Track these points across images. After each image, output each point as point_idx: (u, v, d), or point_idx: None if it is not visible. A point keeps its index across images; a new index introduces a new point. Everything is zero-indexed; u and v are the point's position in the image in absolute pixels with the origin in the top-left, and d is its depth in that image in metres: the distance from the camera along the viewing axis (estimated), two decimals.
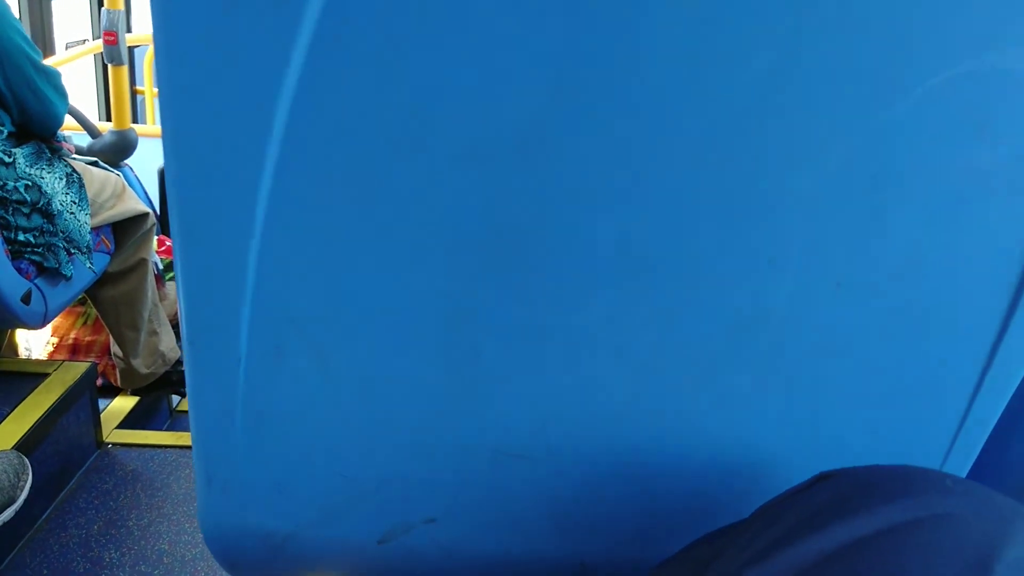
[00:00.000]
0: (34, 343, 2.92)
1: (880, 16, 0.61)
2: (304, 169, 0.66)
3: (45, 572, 2.07)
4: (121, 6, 2.72)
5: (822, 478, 0.68)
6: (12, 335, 2.81)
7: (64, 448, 2.37)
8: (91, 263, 2.30)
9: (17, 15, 2.15)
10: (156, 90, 2.51)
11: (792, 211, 0.68)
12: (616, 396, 0.76)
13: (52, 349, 2.85)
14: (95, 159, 2.62)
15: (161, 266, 2.96)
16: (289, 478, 0.82)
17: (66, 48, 3.90)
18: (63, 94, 2.26)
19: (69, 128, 2.83)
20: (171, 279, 3.02)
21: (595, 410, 0.77)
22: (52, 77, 2.20)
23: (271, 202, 0.67)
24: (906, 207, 0.68)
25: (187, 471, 2.53)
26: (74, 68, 3.71)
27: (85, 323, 2.89)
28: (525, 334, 0.73)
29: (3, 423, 2.19)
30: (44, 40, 3.64)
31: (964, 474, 0.85)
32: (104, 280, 2.55)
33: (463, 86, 0.63)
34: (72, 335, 2.87)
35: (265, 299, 0.71)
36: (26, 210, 2.13)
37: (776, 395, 0.77)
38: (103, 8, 2.72)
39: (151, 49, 4.26)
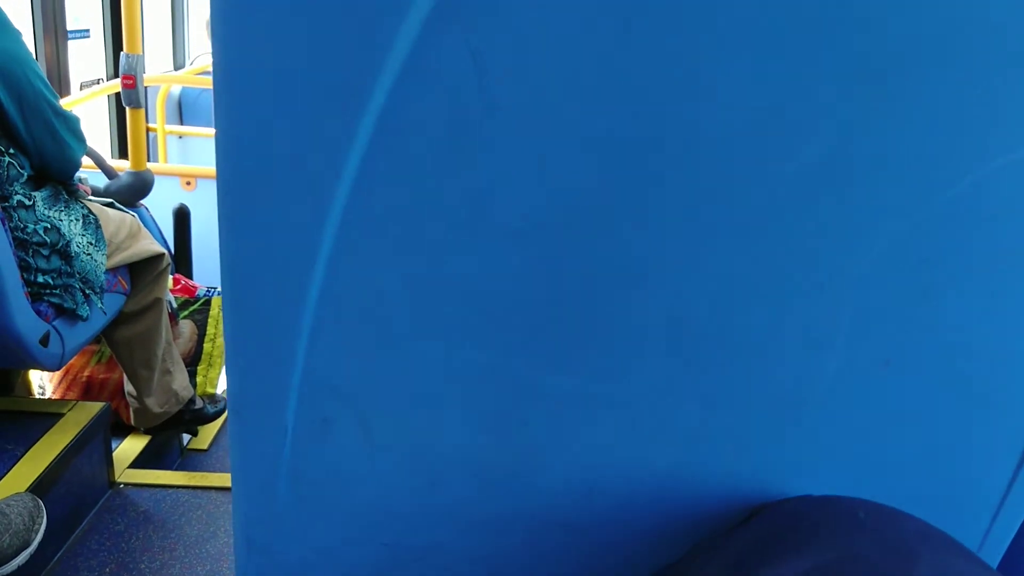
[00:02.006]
0: (48, 380, 2.92)
1: (935, 104, 0.63)
2: (359, 245, 0.67)
3: None
4: (140, 50, 2.76)
5: (757, 511, 0.74)
6: (26, 374, 2.81)
7: (77, 489, 2.37)
8: (102, 304, 2.31)
9: (33, 55, 2.18)
10: (169, 128, 2.54)
11: (842, 290, 0.69)
12: (661, 466, 0.77)
13: (66, 387, 2.85)
14: (110, 200, 2.64)
15: (175, 304, 2.97)
16: (331, 545, 0.82)
17: (80, 88, 3.94)
18: (81, 139, 2.28)
19: (86, 167, 2.85)
20: (184, 317, 3.03)
21: (641, 480, 0.77)
22: (71, 122, 2.23)
23: (326, 276, 0.68)
24: (955, 287, 0.69)
25: (199, 512, 2.52)
26: (88, 107, 3.75)
27: (99, 361, 2.89)
28: (573, 405, 0.73)
29: (18, 464, 2.19)
30: (59, 80, 3.68)
31: (1006, 544, 0.86)
32: (119, 320, 2.56)
33: (518, 169, 0.64)
34: (86, 373, 2.87)
35: (314, 371, 0.72)
36: (45, 252, 2.15)
37: (820, 468, 0.78)
38: (122, 52, 2.76)
39: (164, 87, 4.31)
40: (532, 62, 0.61)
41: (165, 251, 2.64)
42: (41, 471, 2.17)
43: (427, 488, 0.78)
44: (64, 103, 3.13)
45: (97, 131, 4.43)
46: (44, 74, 2.16)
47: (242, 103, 0.63)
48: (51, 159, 2.20)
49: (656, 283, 0.69)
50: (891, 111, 0.63)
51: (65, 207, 2.27)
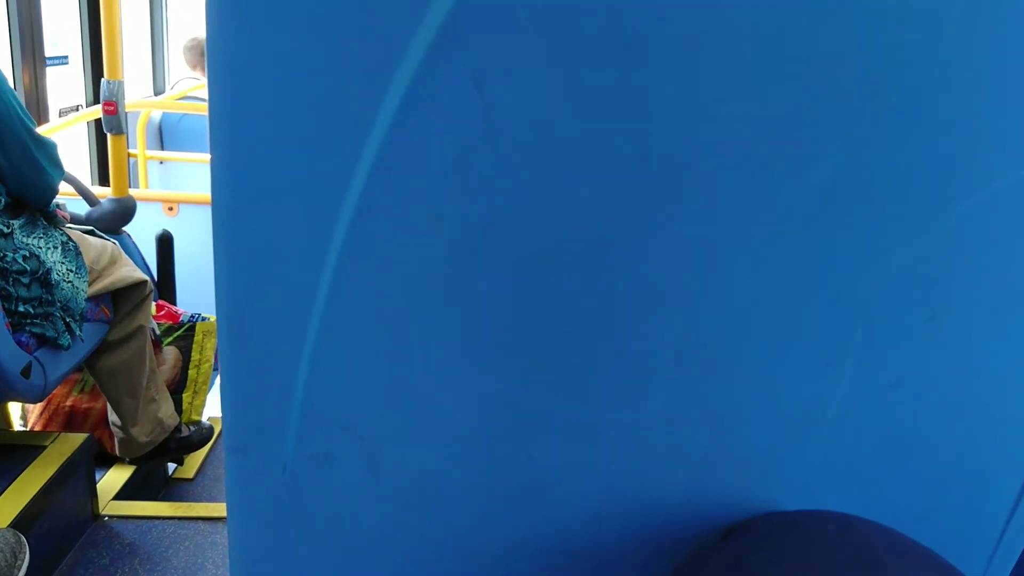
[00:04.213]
0: (29, 411, 2.86)
1: (944, 123, 0.62)
2: (362, 274, 0.66)
3: None
4: (121, 76, 2.74)
5: (732, 529, 0.74)
6: (5, 405, 2.75)
7: (60, 523, 2.31)
8: (80, 331, 2.27)
9: (11, 82, 2.16)
10: (149, 153, 2.51)
11: (852, 312, 0.68)
12: (672, 492, 0.75)
13: (47, 417, 2.79)
14: (91, 227, 2.61)
15: (159, 331, 2.92)
16: None
17: (59, 115, 3.90)
18: (58, 165, 2.26)
19: (65, 194, 2.82)
20: (169, 344, 2.98)
21: (650, 505, 0.76)
22: (48, 148, 2.21)
23: (327, 307, 0.66)
24: (964, 307, 0.69)
25: (186, 544, 2.47)
26: (67, 134, 3.72)
27: (82, 390, 2.83)
28: (580, 434, 0.72)
29: None
30: (38, 107, 3.64)
31: (1013, 562, 0.84)
32: (102, 349, 2.51)
33: (524, 194, 0.63)
34: (68, 402, 2.82)
35: (315, 404, 0.70)
36: (26, 280, 2.11)
37: (829, 489, 0.76)
38: (103, 79, 2.73)
39: (144, 113, 4.28)
40: (536, 88, 0.60)
41: (147, 278, 2.60)
42: (23, 506, 2.12)
43: (432, 522, 0.76)
44: (43, 130, 3.10)
45: (77, 158, 4.39)
46: (22, 100, 2.14)
47: (240, 129, 0.61)
48: (28, 185, 2.18)
49: (664, 307, 0.67)
50: (899, 131, 0.62)
51: (44, 234, 2.24)
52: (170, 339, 2.96)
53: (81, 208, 2.85)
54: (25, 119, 2.11)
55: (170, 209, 3.71)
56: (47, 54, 3.70)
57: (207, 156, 0.63)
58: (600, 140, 0.61)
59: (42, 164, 2.16)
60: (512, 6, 0.58)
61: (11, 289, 2.08)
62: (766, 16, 0.59)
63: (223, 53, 0.59)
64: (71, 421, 2.80)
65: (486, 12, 0.58)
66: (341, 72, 0.59)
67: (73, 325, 2.25)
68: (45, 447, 2.38)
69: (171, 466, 3.05)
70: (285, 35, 0.60)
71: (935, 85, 0.61)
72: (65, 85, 4.24)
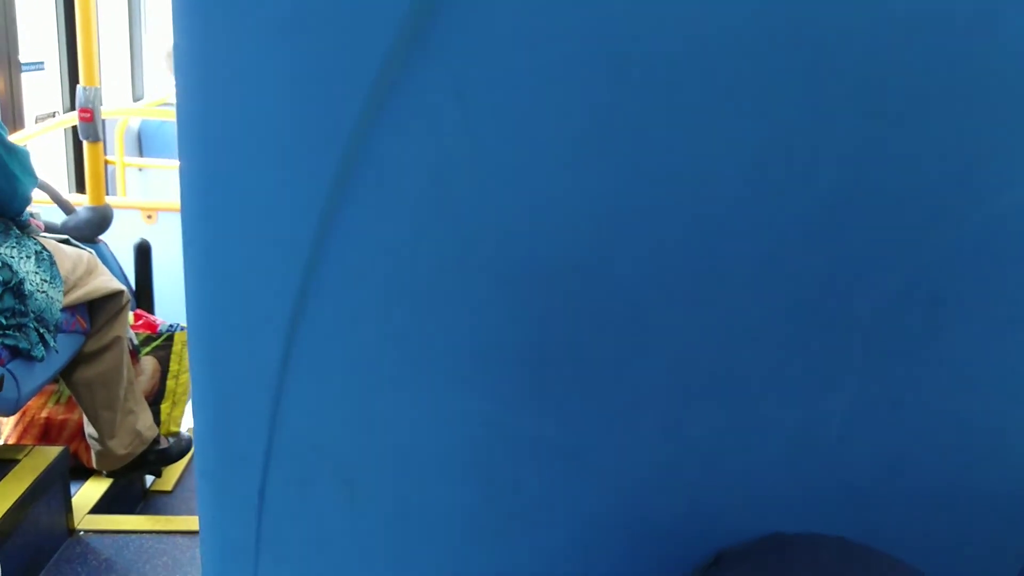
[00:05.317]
0: (3, 422, 2.80)
1: (946, 139, 0.60)
2: (338, 292, 0.63)
3: None
4: (97, 83, 2.69)
5: (721, 555, 0.70)
6: None
7: (34, 539, 2.26)
8: (55, 342, 2.22)
9: None
10: (128, 160, 2.47)
11: (851, 331, 0.66)
12: (664, 518, 0.73)
13: (22, 429, 2.73)
14: (66, 236, 2.56)
15: (137, 341, 2.87)
16: None
17: (36, 121, 3.84)
18: (31, 173, 2.23)
19: (40, 203, 2.77)
20: (147, 354, 2.93)
21: (642, 533, 0.73)
22: (21, 156, 2.18)
23: (302, 326, 0.63)
24: (969, 323, 0.66)
25: (164, 559, 2.43)
26: (43, 141, 3.66)
27: (58, 401, 2.78)
28: (569, 457, 0.69)
29: None
30: (13, 113, 3.58)
31: None
32: (79, 360, 2.46)
33: (512, 211, 0.60)
34: (44, 414, 2.76)
35: (290, 427, 0.67)
36: None
37: (830, 513, 0.74)
38: (79, 85, 2.69)
39: (122, 120, 4.22)
40: (522, 99, 0.58)
41: (124, 288, 2.56)
42: None
43: (412, 550, 0.73)
44: (19, 137, 3.05)
45: (54, 165, 4.32)
46: None
47: (210, 143, 0.59)
48: (0, 194, 2.14)
49: (657, 327, 0.65)
50: (900, 147, 0.61)
51: (17, 243, 2.19)
52: (148, 349, 2.91)
53: (56, 217, 2.80)
54: None
55: (149, 217, 3.66)
56: (22, 60, 3.64)
57: None
58: (589, 154, 0.59)
59: (14, 172, 2.14)
60: (497, 15, 0.55)
61: None
62: (760, 26, 0.57)
63: (191, 54, 0.56)
64: (47, 433, 2.75)
65: (469, 19, 0.55)
66: (316, 81, 0.57)
67: (47, 336, 2.21)
68: (18, 460, 2.32)
69: (149, 478, 2.99)
70: (258, 43, 0.57)
71: (941, 94, 0.59)
72: (41, 92, 4.17)
